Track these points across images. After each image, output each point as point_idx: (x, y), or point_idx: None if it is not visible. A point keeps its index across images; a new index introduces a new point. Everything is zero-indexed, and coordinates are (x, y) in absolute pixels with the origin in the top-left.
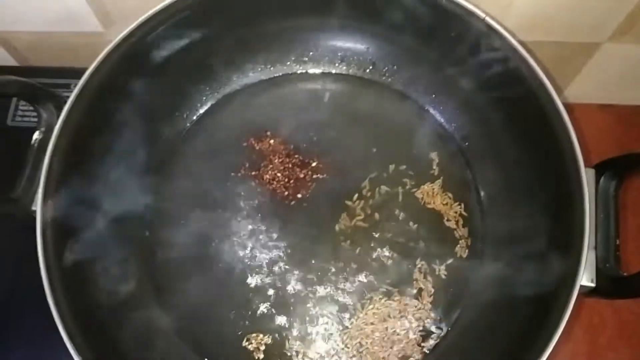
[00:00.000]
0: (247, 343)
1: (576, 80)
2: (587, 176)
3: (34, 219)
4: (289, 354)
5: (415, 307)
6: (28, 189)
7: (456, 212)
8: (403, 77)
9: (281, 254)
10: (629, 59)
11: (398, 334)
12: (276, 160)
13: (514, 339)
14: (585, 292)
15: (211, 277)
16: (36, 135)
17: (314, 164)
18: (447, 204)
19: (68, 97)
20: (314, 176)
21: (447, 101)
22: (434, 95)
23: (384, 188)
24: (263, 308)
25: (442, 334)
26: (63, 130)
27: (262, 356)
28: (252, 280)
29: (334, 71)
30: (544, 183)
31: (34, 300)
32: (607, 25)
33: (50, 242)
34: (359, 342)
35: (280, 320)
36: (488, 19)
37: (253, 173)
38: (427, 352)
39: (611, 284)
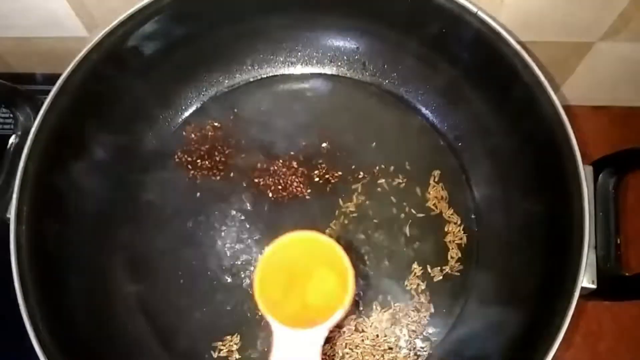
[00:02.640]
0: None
1: (569, 82)
2: (585, 173)
3: (8, 226)
4: None
5: (409, 314)
6: (2, 196)
7: (451, 214)
8: (394, 76)
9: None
10: (622, 58)
11: (388, 342)
12: (264, 164)
13: (515, 346)
14: (586, 295)
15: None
16: (12, 140)
17: (302, 167)
18: (441, 205)
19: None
20: (303, 179)
21: (439, 100)
22: (425, 95)
23: (376, 190)
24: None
25: (437, 343)
26: (39, 133)
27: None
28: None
29: (323, 72)
30: (541, 182)
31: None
32: (600, 24)
33: (24, 251)
34: (346, 352)
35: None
36: (480, 14)
37: (238, 175)
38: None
39: (613, 285)
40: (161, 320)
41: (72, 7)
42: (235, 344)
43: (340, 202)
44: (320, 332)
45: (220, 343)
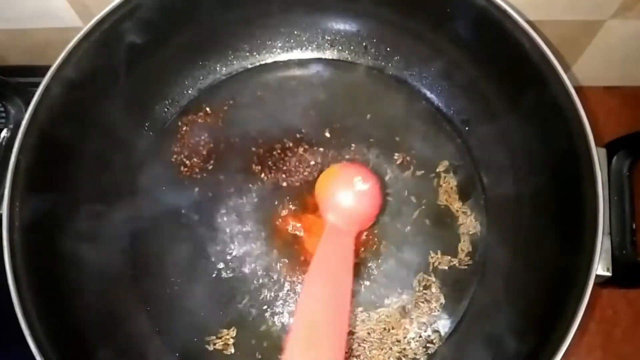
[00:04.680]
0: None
1: (580, 62)
2: (598, 156)
3: (0, 222)
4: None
5: (419, 306)
6: None
7: (460, 205)
8: (396, 59)
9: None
10: (634, 36)
11: (397, 335)
12: (264, 152)
13: (528, 336)
14: (601, 282)
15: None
16: (4, 134)
17: (304, 154)
18: (450, 194)
19: None
20: (305, 165)
21: (444, 84)
22: (430, 78)
23: (383, 177)
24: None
25: (447, 335)
26: (30, 126)
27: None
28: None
29: (323, 56)
30: (552, 166)
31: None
32: (610, 1)
33: (17, 247)
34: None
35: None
36: None
37: (236, 165)
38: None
39: (629, 272)
40: (159, 314)
41: None
42: (232, 337)
43: None
44: (356, 230)
45: (215, 337)
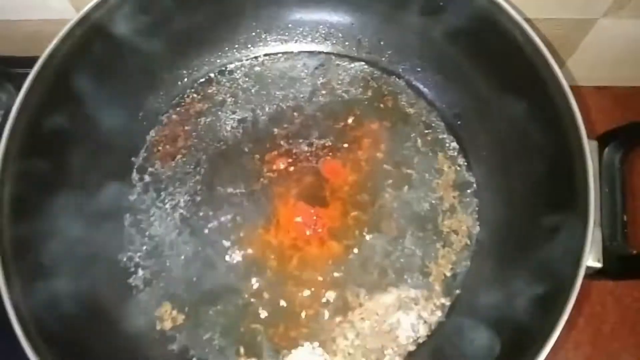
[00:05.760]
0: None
1: (571, 61)
2: (590, 148)
3: None
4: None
5: (410, 297)
6: None
7: (454, 199)
8: (390, 53)
9: None
10: (625, 36)
11: (390, 323)
12: (257, 144)
13: (517, 330)
14: (592, 274)
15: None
16: None
17: (297, 149)
18: (444, 188)
19: None
20: (291, 160)
21: (437, 77)
22: (423, 72)
23: (376, 172)
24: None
25: (436, 327)
26: (21, 112)
27: None
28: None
29: (317, 49)
30: (543, 159)
31: None
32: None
33: (6, 235)
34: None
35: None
36: None
37: (229, 157)
38: (421, 342)
39: (619, 264)
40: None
41: None
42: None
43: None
44: None
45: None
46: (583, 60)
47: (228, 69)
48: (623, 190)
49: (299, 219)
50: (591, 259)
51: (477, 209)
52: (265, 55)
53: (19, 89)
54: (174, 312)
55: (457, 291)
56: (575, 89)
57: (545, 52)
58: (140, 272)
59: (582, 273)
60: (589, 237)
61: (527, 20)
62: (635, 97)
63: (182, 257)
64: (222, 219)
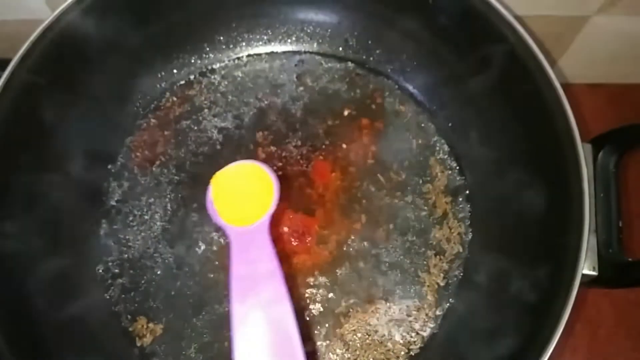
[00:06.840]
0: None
1: (564, 58)
2: (584, 151)
3: None
4: None
5: (402, 308)
6: None
7: (445, 202)
8: (378, 53)
9: None
10: (618, 32)
11: (381, 336)
12: (240, 147)
13: (514, 341)
14: (587, 282)
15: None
16: None
17: (281, 153)
18: (436, 194)
19: None
20: (276, 159)
21: (427, 78)
22: (412, 72)
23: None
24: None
25: (429, 338)
26: None
27: None
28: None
29: (303, 49)
30: (537, 164)
31: None
32: None
33: None
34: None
35: None
36: None
37: (209, 161)
38: (413, 355)
39: (615, 272)
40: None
41: None
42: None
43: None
44: (264, 223)
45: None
46: (576, 57)
47: (209, 70)
48: (618, 195)
49: (285, 229)
50: (586, 267)
51: (469, 217)
52: (248, 55)
53: None
54: (151, 325)
55: (450, 301)
56: (568, 87)
57: (538, 54)
58: (118, 281)
59: (577, 282)
60: (584, 244)
61: (519, 17)
62: (629, 95)
63: (161, 268)
64: (205, 228)
